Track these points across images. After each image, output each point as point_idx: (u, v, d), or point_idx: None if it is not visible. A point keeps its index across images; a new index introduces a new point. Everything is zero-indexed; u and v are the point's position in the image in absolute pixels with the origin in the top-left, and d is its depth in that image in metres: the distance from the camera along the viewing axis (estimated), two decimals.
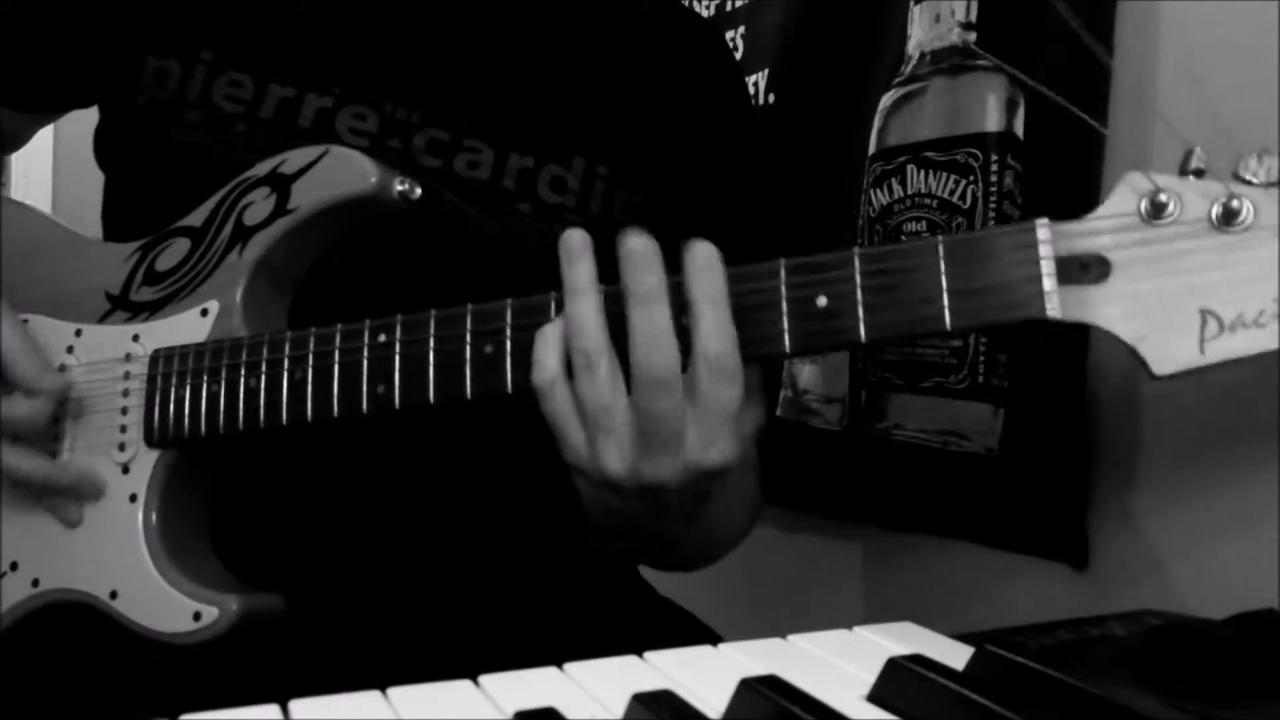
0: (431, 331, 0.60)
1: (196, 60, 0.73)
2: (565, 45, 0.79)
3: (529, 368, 0.56)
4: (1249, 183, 0.48)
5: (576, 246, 0.56)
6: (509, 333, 0.58)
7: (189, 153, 0.73)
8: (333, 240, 0.69)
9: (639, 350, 0.53)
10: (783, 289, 0.54)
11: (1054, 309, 0.50)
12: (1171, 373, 0.48)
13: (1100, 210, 0.50)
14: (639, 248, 0.55)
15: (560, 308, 0.57)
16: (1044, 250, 0.50)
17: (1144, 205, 0.49)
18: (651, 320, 0.53)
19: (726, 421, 0.54)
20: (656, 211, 0.78)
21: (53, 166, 2.15)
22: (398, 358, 0.61)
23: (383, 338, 0.61)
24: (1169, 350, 0.48)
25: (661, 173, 0.79)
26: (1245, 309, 0.47)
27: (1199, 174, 0.49)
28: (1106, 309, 0.49)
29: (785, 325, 0.54)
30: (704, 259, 0.54)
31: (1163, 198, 0.48)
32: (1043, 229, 0.50)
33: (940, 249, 0.51)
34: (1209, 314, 0.47)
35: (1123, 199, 0.50)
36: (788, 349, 0.54)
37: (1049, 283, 0.50)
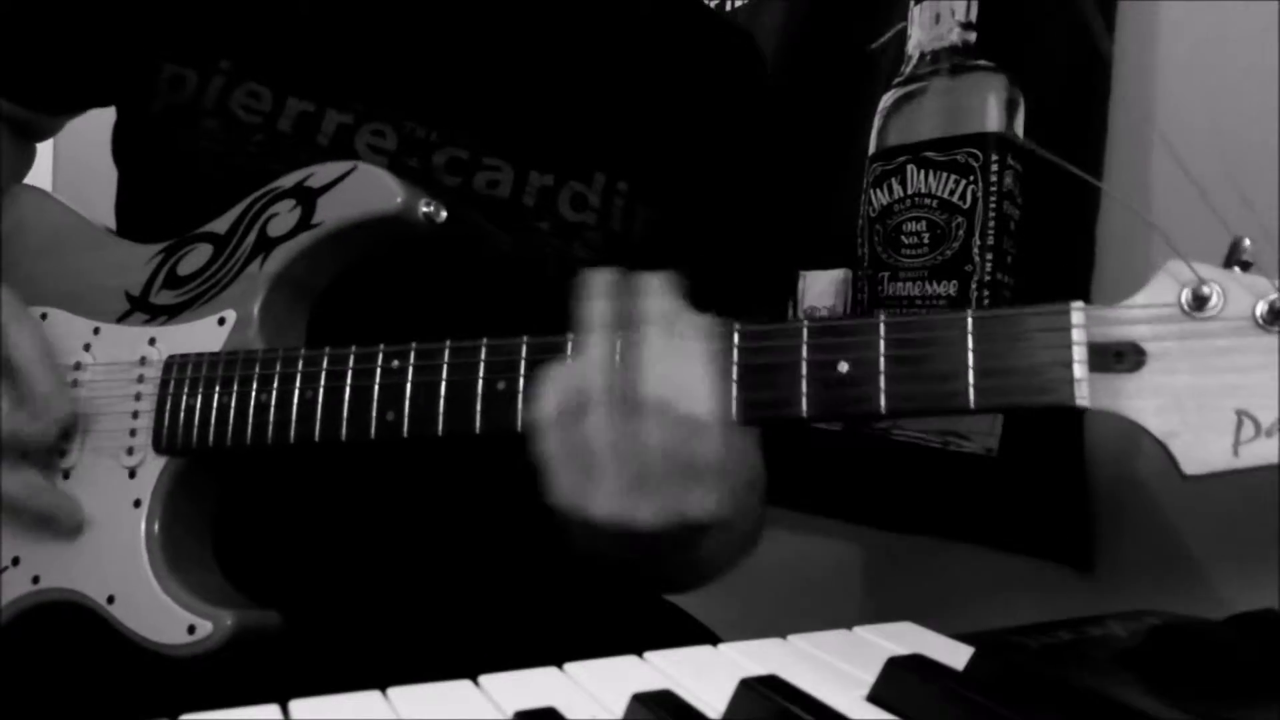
0: (445, 362, 0.60)
1: (215, 69, 0.73)
2: (586, 61, 0.79)
3: None
4: None
5: (602, 285, 0.56)
6: (523, 369, 0.58)
7: (204, 160, 0.73)
8: (354, 257, 0.69)
9: (636, 369, 0.53)
10: (804, 351, 0.52)
11: (1083, 397, 0.47)
12: (1202, 474, 0.46)
13: (1138, 297, 0.48)
14: (659, 283, 0.56)
15: (577, 349, 0.56)
16: (1077, 335, 0.48)
17: (1185, 296, 0.47)
18: (652, 342, 0.53)
19: (702, 474, 0.53)
20: (677, 227, 0.78)
21: (53, 166, 2.15)
22: (409, 386, 0.60)
23: (396, 364, 0.61)
24: (1201, 450, 0.46)
25: (683, 186, 0.79)
26: None
27: (1245, 266, 0.47)
28: (1138, 401, 0.47)
29: (804, 389, 0.52)
30: (683, 325, 0.54)
31: (1205, 290, 0.46)
32: (1077, 312, 0.48)
33: (969, 324, 0.50)
34: (1245, 415, 0.45)
35: (1163, 287, 0.48)
36: (804, 413, 0.52)
37: (1080, 369, 0.47)
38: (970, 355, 0.49)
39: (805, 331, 0.53)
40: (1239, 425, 0.45)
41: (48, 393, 0.68)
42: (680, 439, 0.52)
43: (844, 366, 0.52)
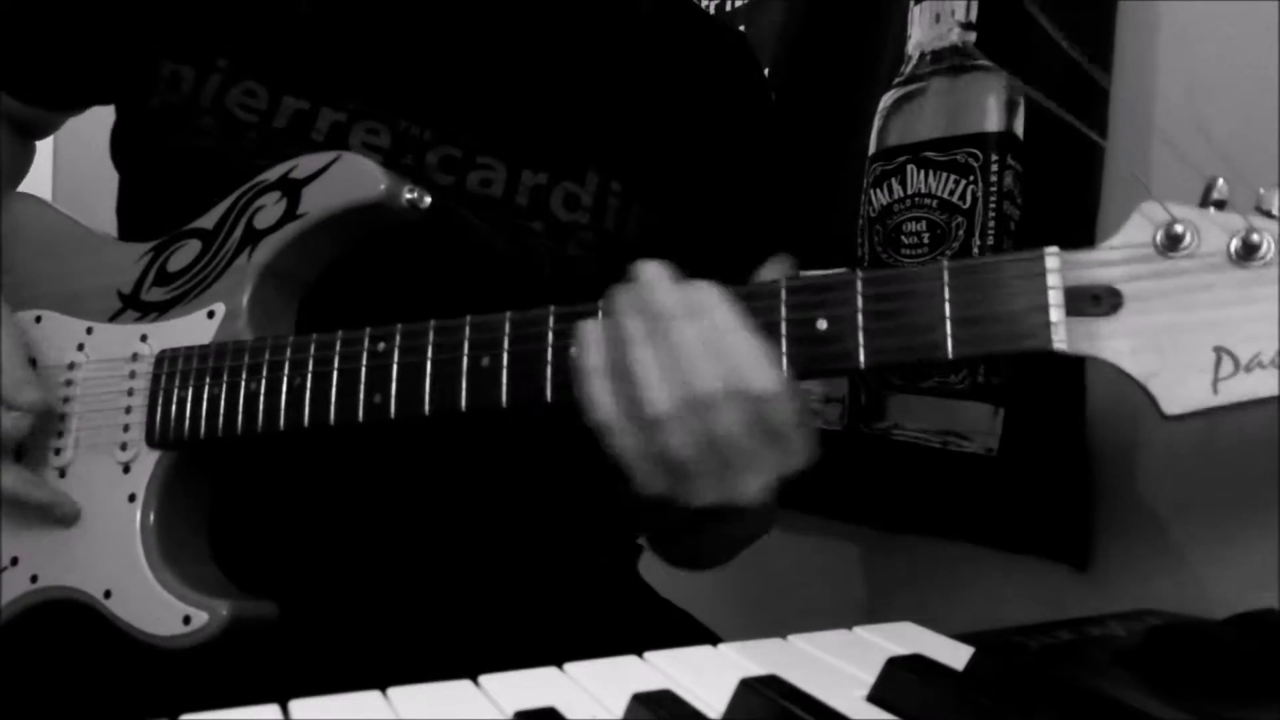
0: (430, 341, 0.60)
1: (212, 67, 0.74)
2: (579, 61, 0.79)
3: (525, 380, 0.57)
4: (1271, 215, 0.46)
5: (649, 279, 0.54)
6: (506, 344, 0.58)
7: (201, 157, 0.73)
8: (341, 246, 0.69)
9: (686, 365, 0.51)
10: (783, 310, 0.53)
11: (1060, 341, 0.48)
12: (1182, 413, 0.46)
13: (1113, 240, 0.48)
14: (654, 269, 0.54)
15: (558, 320, 0.57)
16: (1052, 280, 0.48)
17: (1159, 236, 0.46)
18: (685, 335, 0.51)
19: (788, 437, 0.53)
20: (671, 227, 0.78)
21: (53, 167, 2.15)
22: (395, 367, 0.61)
23: (381, 346, 0.61)
24: (1180, 389, 0.46)
25: (677, 186, 0.79)
26: (1263, 348, 0.44)
27: (1220, 205, 0.46)
28: (1115, 343, 0.47)
29: (784, 348, 0.52)
30: (702, 301, 0.53)
31: (1179, 229, 0.46)
32: (1052, 258, 0.48)
33: (945, 274, 0.50)
34: (1224, 352, 0.45)
35: (1137, 229, 0.47)
36: (785, 371, 0.53)
37: (1056, 314, 0.48)
38: (947, 305, 0.49)
39: (784, 291, 0.53)
40: (1218, 362, 0.45)
41: (13, 385, 0.68)
42: (759, 416, 0.52)
43: (822, 324, 0.52)
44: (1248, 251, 0.45)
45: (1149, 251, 0.47)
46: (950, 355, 0.49)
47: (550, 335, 0.57)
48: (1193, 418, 0.46)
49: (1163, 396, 0.46)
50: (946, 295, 0.49)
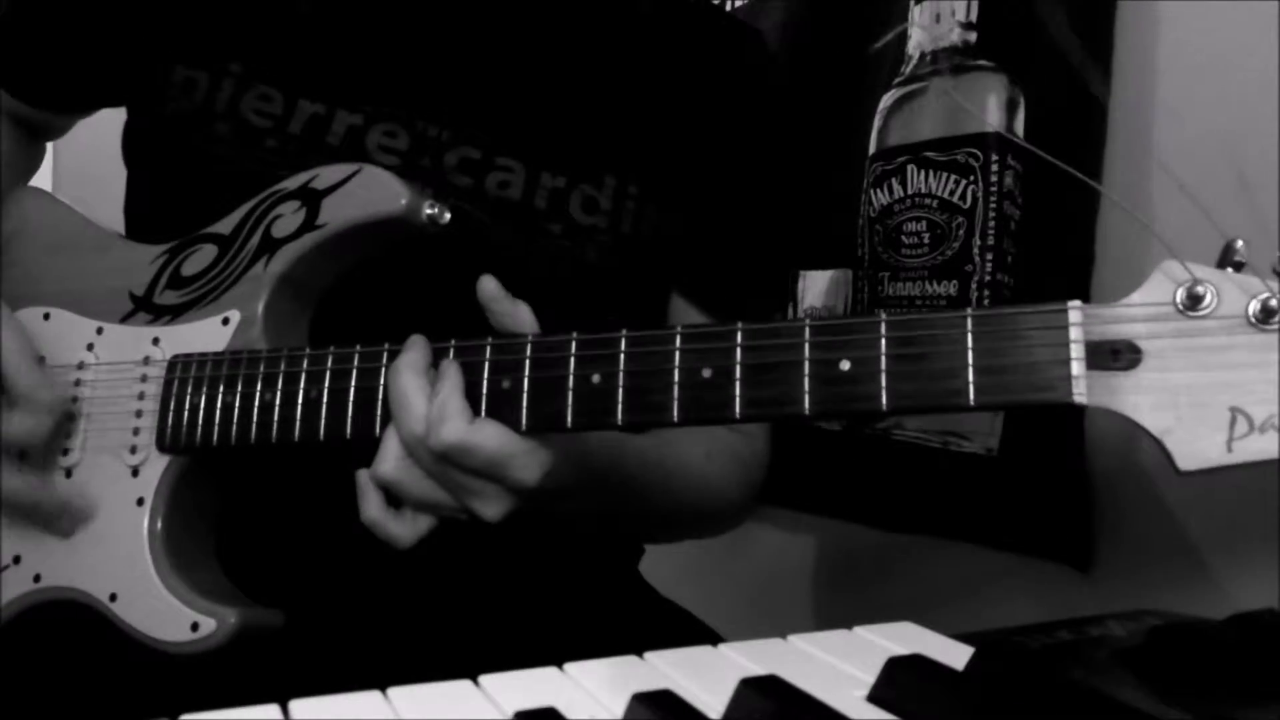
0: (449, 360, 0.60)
1: (225, 72, 0.73)
2: (597, 62, 0.79)
3: (546, 406, 0.57)
4: None
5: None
6: (527, 369, 0.58)
7: (218, 164, 0.73)
8: (358, 258, 0.69)
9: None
10: (806, 349, 0.53)
11: (1081, 394, 0.48)
12: (1196, 469, 0.47)
13: (1134, 296, 0.49)
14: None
15: (580, 346, 0.57)
16: (1075, 333, 0.48)
17: (1180, 295, 0.48)
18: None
19: (493, 475, 0.58)
20: (686, 228, 0.79)
21: (53, 168, 2.15)
22: None
23: None
24: (1196, 446, 0.47)
25: (694, 188, 0.79)
26: (1275, 411, 0.45)
27: (1239, 267, 0.47)
28: (1134, 398, 0.48)
29: (806, 387, 0.52)
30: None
31: (1199, 289, 0.47)
32: (1074, 311, 0.49)
33: (969, 322, 0.50)
34: (1239, 412, 0.46)
35: (1158, 287, 0.48)
36: (807, 411, 0.53)
37: (1077, 367, 0.48)
38: (970, 353, 0.50)
39: (807, 330, 0.53)
40: (1233, 422, 0.46)
41: (32, 385, 0.68)
42: (459, 463, 0.57)
43: (845, 365, 0.52)
44: (1266, 315, 0.46)
45: (1169, 310, 0.48)
46: (972, 403, 0.50)
47: (572, 362, 0.57)
48: (1206, 474, 0.47)
49: (1178, 453, 0.47)
50: (969, 343, 0.50)
